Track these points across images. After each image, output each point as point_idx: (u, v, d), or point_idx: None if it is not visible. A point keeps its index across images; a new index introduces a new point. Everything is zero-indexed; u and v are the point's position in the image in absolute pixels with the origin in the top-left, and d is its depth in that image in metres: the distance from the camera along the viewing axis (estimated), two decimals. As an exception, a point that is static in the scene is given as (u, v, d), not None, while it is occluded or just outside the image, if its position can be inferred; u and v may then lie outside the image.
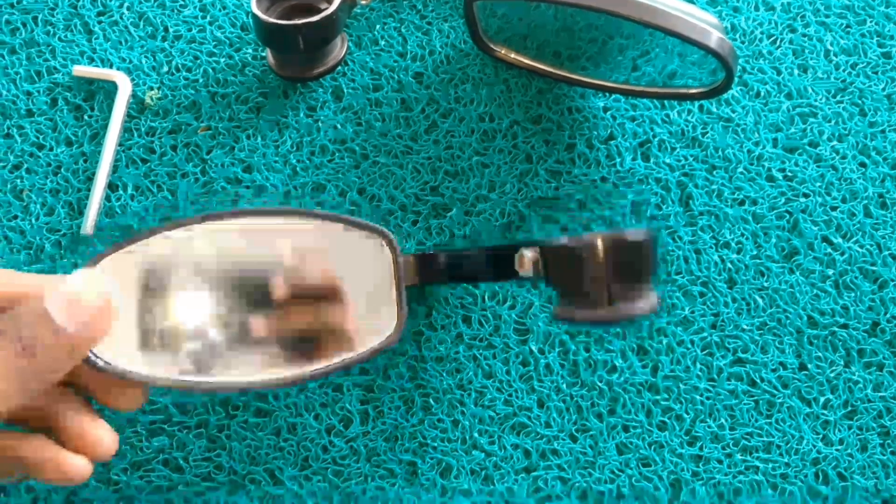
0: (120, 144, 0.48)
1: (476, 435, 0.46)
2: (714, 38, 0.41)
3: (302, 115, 0.50)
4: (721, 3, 0.53)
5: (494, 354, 0.47)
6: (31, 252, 0.47)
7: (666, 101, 0.51)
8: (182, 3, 0.51)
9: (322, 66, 0.49)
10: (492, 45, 0.49)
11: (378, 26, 0.51)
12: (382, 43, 0.51)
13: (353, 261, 0.41)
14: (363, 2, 0.48)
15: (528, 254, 0.38)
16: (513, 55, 0.50)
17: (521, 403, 0.47)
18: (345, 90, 0.50)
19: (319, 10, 0.47)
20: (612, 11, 0.40)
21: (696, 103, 0.51)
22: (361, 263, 0.41)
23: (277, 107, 0.50)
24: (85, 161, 0.48)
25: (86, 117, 0.49)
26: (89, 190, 0.47)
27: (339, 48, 0.50)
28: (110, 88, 0.49)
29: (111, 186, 0.48)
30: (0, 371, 0.31)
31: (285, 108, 0.50)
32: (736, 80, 0.48)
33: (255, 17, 0.45)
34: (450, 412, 0.46)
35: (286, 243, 0.41)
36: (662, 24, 0.40)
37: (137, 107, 0.49)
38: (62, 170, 0.48)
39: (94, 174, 0.47)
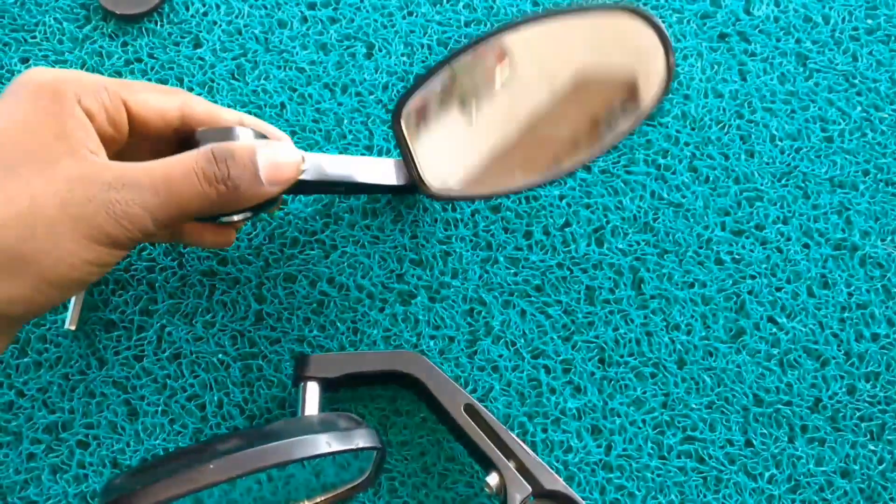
0: (101, 240, 0.51)
1: (441, 513, 0.49)
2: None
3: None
4: (672, 91, 0.56)
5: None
6: (17, 347, 0.50)
7: (618, 187, 0.54)
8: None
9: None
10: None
11: (346, 121, 0.54)
12: (350, 137, 0.54)
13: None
14: None
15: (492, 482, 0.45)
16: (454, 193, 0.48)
17: (482, 484, 0.49)
18: (314, 183, 0.53)
19: None
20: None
21: (648, 189, 0.54)
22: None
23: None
24: (68, 257, 0.51)
25: (69, 214, 0.52)
26: (73, 285, 0.50)
27: None
28: (92, 186, 0.52)
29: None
30: (196, 193, 0.37)
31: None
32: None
33: None
34: (414, 494, 0.49)
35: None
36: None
37: (118, 203, 0.52)
38: (47, 266, 0.51)
39: (77, 270, 0.50)
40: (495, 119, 0.47)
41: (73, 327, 0.49)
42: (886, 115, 0.56)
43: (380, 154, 0.54)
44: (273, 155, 0.39)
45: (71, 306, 0.50)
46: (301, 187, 0.44)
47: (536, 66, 0.46)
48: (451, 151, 0.47)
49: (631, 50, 0.45)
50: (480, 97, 0.46)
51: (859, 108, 0.56)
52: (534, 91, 0.47)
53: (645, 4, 0.58)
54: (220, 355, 0.50)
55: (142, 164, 0.37)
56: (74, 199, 0.34)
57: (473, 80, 0.46)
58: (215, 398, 0.49)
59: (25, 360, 0.49)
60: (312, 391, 0.46)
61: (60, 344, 0.50)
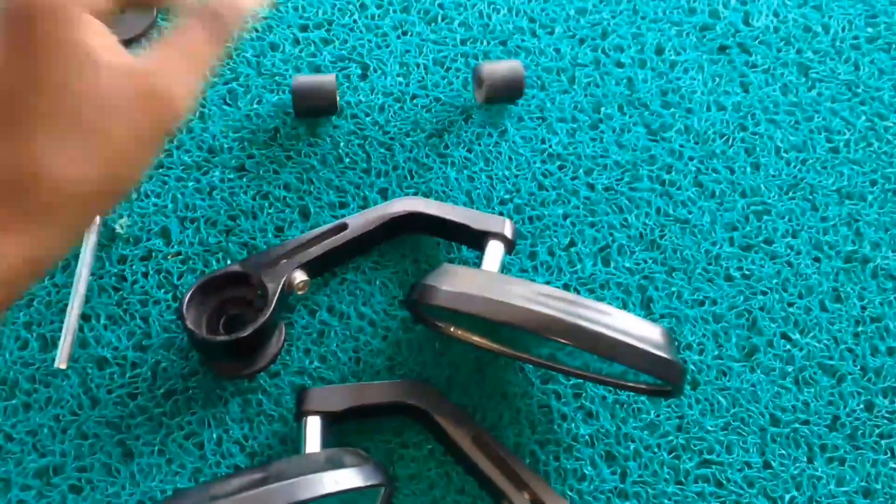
0: (92, 274, 0.49)
1: (452, 548, 0.47)
2: (656, 363, 0.41)
3: (270, 234, 0.51)
4: (674, 105, 0.55)
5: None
6: (6, 387, 0.48)
7: (623, 205, 0.53)
8: (149, 128, 0.53)
9: (256, 366, 0.48)
10: (437, 323, 0.48)
11: (342, 144, 0.53)
12: (347, 160, 0.53)
13: None
14: (300, 291, 0.46)
15: None
16: (459, 332, 0.48)
17: (495, 516, 0.48)
18: (311, 209, 0.51)
19: (252, 304, 0.46)
20: (557, 339, 0.41)
21: (653, 205, 0.53)
22: None
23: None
24: (57, 292, 0.49)
25: (57, 248, 0.50)
26: (62, 322, 0.48)
27: (276, 342, 0.48)
28: (81, 218, 0.50)
29: (84, 317, 0.49)
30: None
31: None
32: (685, 384, 0.48)
33: (183, 326, 0.44)
34: (424, 530, 0.47)
35: None
36: (605, 352, 0.41)
37: (108, 235, 0.50)
38: (35, 302, 0.49)
39: (66, 306, 0.48)
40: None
41: (63, 366, 0.47)
42: (891, 124, 0.56)
43: (377, 177, 0.52)
44: None
45: (60, 343, 0.47)
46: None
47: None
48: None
49: None
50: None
51: (864, 118, 0.56)
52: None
53: (643, 18, 0.57)
54: (217, 390, 0.48)
55: None
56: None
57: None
58: (214, 435, 0.47)
59: (13, 401, 0.47)
60: (314, 426, 0.44)
61: (50, 384, 0.48)
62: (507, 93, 0.53)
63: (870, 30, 0.58)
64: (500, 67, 0.52)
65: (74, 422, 0.47)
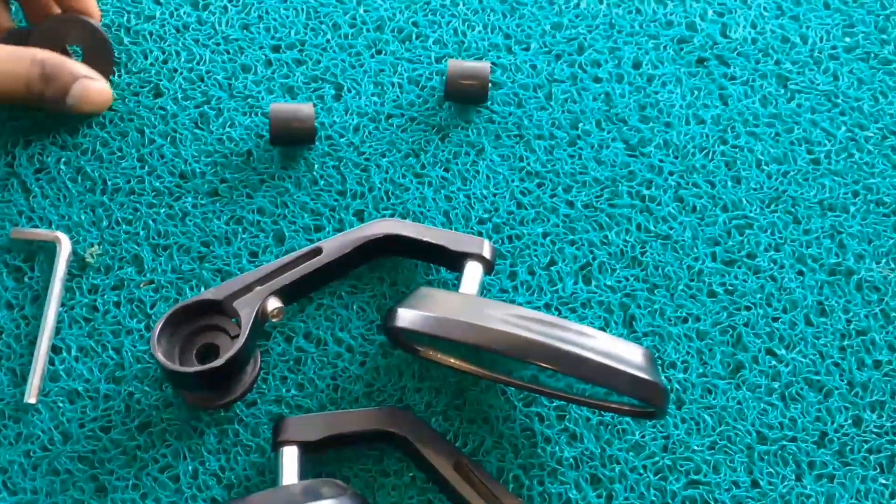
0: (62, 305, 0.48)
1: (435, 578, 0.46)
2: (639, 385, 0.40)
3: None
4: (652, 119, 0.54)
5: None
6: (-25, 424, 0.46)
7: (603, 222, 0.52)
8: (119, 154, 0.52)
9: (231, 395, 0.46)
10: (416, 347, 0.47)
11: (317, 166, 0.52)
12: (322, 183, 0.52)
13: None
14: (274, 318, 0.45)
15: None
16: (438, 356, 0.47)
17: (479, 544, 0.46)
18: (285, 233, 0.51)
19: (226, 332, 0.45)
20: (535, 363, 0.40)
21: (634, 222, 0.52)
22: None
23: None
24: (27, 325, 0.48)
25: (26, 279, 0.49)
26: (31, 355, 0.47)
27: (251, 371, 0.47)
28: (50, 248, 0.49)
29: (54, 349, 0.48)
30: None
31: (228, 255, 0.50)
32: (670, 403, 0.47)
33: (154, 358, 0.43)
34: (407, 560, 0.46)
35: None
36: (585, 376, 0.40)
37: (78, 264, 0.49)
38: (3, 335, 0.48)
39: (36, 338, 0.47)
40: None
41: (33, 400, 0.46)
42: (871, 134, 0.55)
43: (353, 199, 0.51)
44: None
45: (30, 377, 0.46)
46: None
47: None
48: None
49: None
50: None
51: (844, 128, 0.55)
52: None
53: (620, 32, 0.56)
54: (193, 421, 0.47)
55: None
56: None
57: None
58: (190, 468, 0.46)
59: (-17, 438, 0.46)
60: (291, 456, 0.43)
61: (20, 419, 0.46)
62: (471, 88, 0.52)
63: (848, 39, 0.57)
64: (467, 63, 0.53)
65: (46, 457, 0.46)
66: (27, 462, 0.46)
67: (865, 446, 0.49)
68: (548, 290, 0.51)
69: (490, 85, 0.53)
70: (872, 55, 0.57)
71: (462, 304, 0.43)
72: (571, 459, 0.48)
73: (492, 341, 0.40)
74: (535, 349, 0.40)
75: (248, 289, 0.45)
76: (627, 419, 0.48)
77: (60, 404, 0.47)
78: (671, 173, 0.53)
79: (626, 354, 0.41)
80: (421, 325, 0.42)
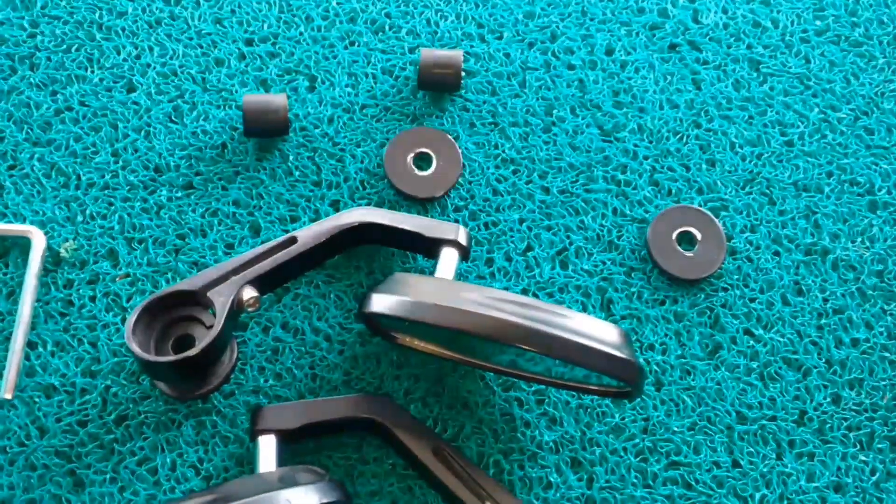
0: (37, 300, 0.48)
1: (418, 565, 0.46)
2: (613, 363, 0.40)
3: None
4: (626, 105, 0.55)
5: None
6: (-50, 421, 0.46)
7: (579, 207, 0.52)
8: (93, 149, 0.52)
9: (208, 385, 0.46)
10: (393, 334, 0.47)
11: (292, 157, 0.52)
12: (297, 174, 0.52)
13: None
14: (250, 308, 0.44)
15: None
16: (416, 342, 0.47)
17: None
18: (261, 224, 0.50)
19: (202, 322, 0.45)
20: (510, 343, 0.40)
21: (610, 206, 0.52)
22: None
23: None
24: (1, 321, 0.48)
25: (0, 275, 0.49)
26: (7, 351, 0.47)
27: (227, 361, 0.47)
28: (25, 243, 0.49)
29: (30, 344, 0.47)
30: None
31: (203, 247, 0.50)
32: (646, 382, 0.48)
33: (129, 348, 0.43)
34: (387, 548, 0.46)
35: None
36: (559, 354, 0.40)
37: (53, 260, 0.49)
38: (-22, 332, 0.48)
39: (11, 334, 0.47)
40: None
41: (9, 396, 0.46)
42: (844, 116, 0.55)
43: (328, 189, 0.51)
44: None
45: (5, 373, 0.46)
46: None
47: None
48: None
49: None
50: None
51: (816, 110, 0.55)
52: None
53: (592, 19, 0.57)
54: (170, 413, 0.47)
55: None
56: None
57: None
58: (168, 460, 0.46)
59: (-41, 435, 0.46)
60: (268, 445, 0.43)
61: (-4, 415, 0.46)
62: (444, 77, 0.52)
63: (818, 23, 0.58)
64: (440, 52, 0.53)
65: (22, 453, 0.46)
66: (3, 458, 0.45)
67: (845, 424, 0.49)
68: (525, 276, 0.51)
69: (463, 73, 0.53)
70: (843, 38, 0.57)
71: (437, 288, 0.43)
72: (552, 443, 0.47)
73: (466, 323, 0.40)
74: (509, 330, 0.40)
75: (223, 278, 0.45)
76: (607, 401, 0.48)
77: (37, 399, 0.46)
78: (646, 157, 0.53)
79: (600, 333, 0.41)
80: (395, 309, 0.42)
